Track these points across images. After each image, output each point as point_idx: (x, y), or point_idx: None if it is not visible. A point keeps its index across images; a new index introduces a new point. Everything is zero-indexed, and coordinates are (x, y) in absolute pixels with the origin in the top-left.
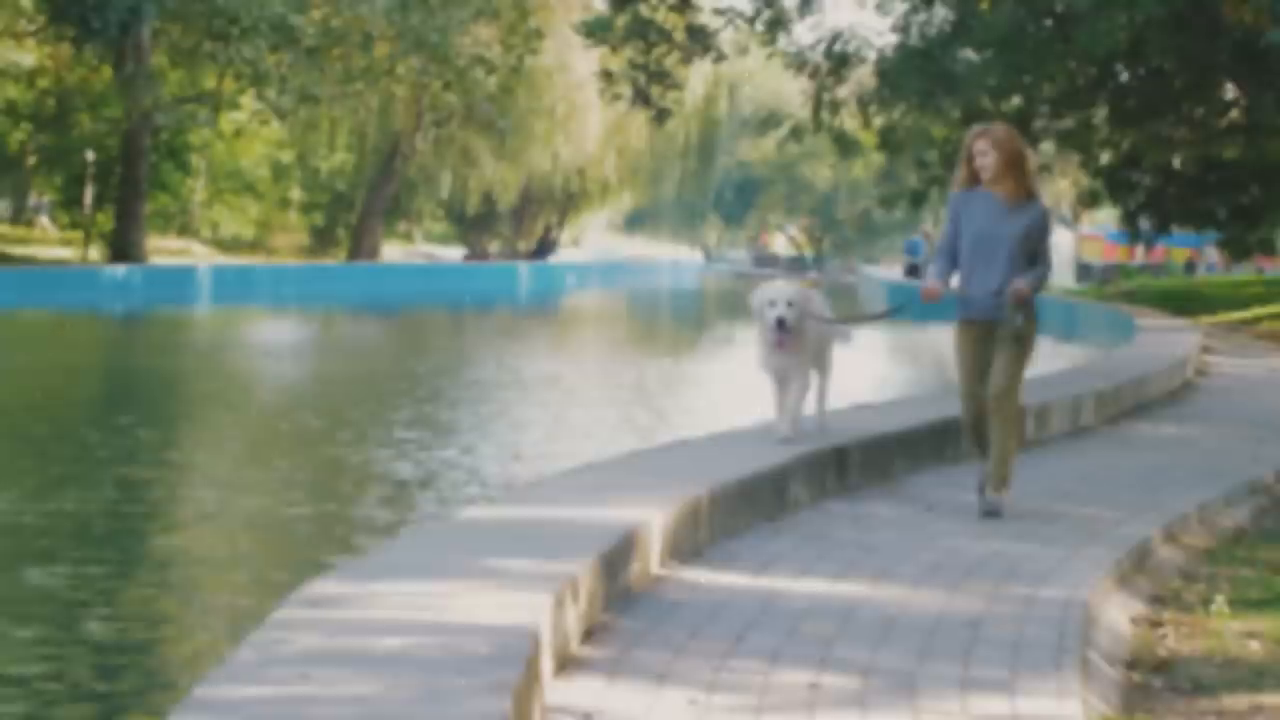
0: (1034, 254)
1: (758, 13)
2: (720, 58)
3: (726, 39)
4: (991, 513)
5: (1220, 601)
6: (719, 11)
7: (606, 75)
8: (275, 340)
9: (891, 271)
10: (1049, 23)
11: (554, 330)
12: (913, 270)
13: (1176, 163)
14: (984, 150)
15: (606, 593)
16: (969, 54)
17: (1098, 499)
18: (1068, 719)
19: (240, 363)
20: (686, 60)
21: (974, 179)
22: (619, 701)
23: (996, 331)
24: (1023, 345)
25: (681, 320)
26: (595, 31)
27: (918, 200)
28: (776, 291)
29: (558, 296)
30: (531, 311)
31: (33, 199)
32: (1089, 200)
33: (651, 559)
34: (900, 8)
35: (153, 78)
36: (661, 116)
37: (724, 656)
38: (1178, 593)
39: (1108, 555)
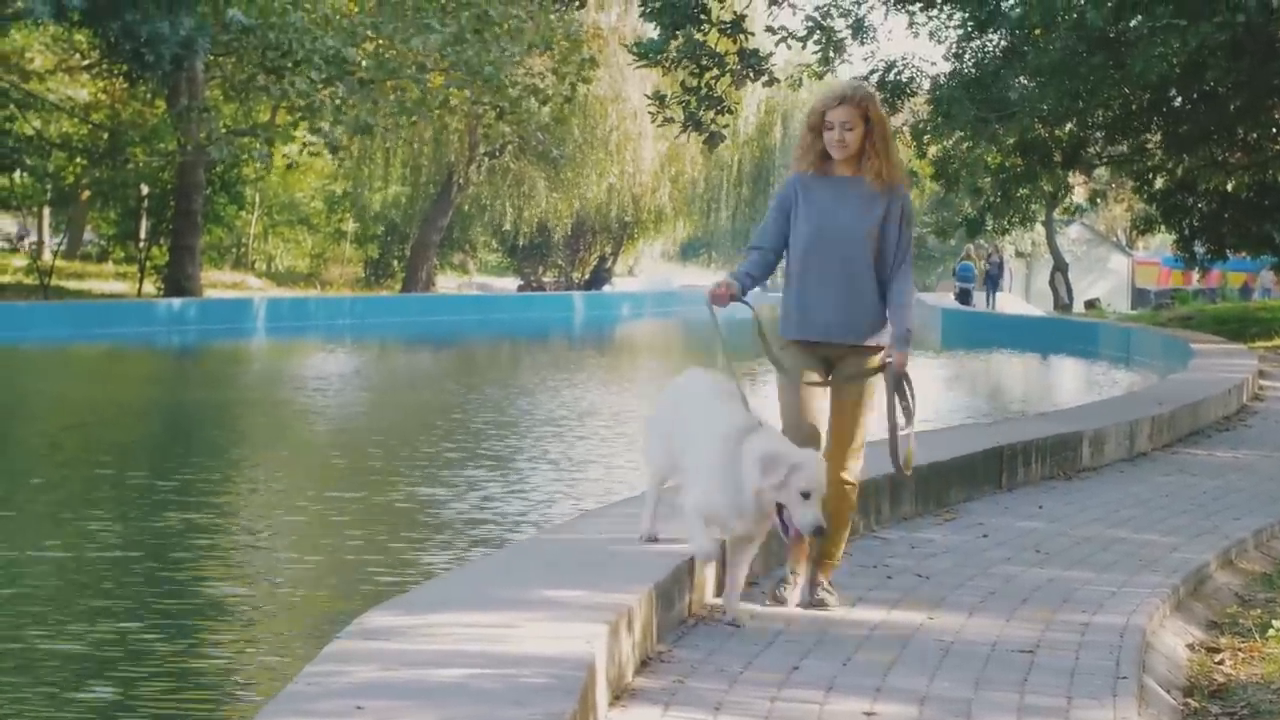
0: (890, 259)
1: (810, 33)
2: (772, 80)
3: (779, 64)
4: (817, 604)
5: (1278, 626)
6: (771, 30)
7: (658, 99)
8: (330, 372)
9: (944, 298)
10: (1102, 49)
11: (609, 360)
12: (964, 295)
13: (1231, 187)
14: (846, 121)
15: (661, 622)
16: (1022, 81)
17: (1154, 525)
18: None
19: (295, 395)
20: (738, 84)
21: (822, 158)
22: None
23: (841, 364)
24: (871, 390)
25: (737, 349)
26: (648, 54)
27: (973, 229)
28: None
29: (613, 326)
30: (586, 341)
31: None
32: (1144, 225)
33: (707, 588)
34: (954, 35)
35: (206, 111)
36: (713, 141)
37: (780, 686)
38: (1234, 618)
39: (1164, 581)
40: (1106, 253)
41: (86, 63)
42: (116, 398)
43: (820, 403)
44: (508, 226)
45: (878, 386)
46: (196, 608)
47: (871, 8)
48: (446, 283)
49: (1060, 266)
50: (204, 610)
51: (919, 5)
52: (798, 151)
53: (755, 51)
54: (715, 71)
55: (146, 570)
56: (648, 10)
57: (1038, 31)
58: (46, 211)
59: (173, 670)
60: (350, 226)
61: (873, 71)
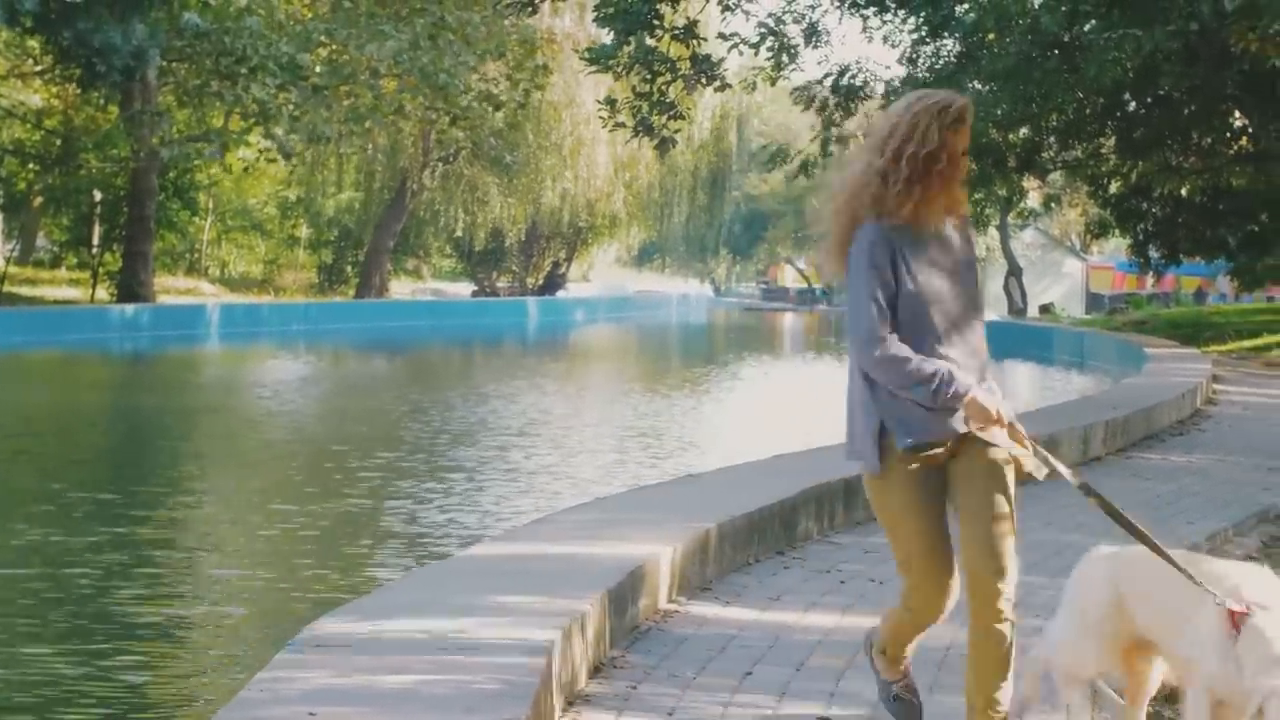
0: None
1: (762, 39)
2: (724, 86)
3: (732, 69)
4: None
5: None
6: (723, 36)
7: (609, 104)
8: (283, 379)
9: None
10: (1056, 53)
11: (563, 367)
12: None
13: (1185, 191)
14: (964, 138)
15: (615, 628)
16: (976, 85)
17: (1107, 529)
18: None
19: (247, 403)
20: (690, 89)
21: (927, 198)
22: None
23: (969, 459)
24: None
25: (690, 355)
26: (599, 59)
27: None
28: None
29: (567, 332)
30: (540, 347)
31: None
32: (1098, 230)
33: (660, 594)
34: (907, 40)
35: (160, 117)
36: (664, 146)
37: (732, 691)
38: None
39: None
40: (1061, 257)
41: (39, 68)
42: (68, 405)
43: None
44: (461, 232)
45: None
46: (147, 619)
47: (825, 12)
48: (400, 288)
49: (1014, 271)
50: (154, 621)
51: (872, 9)
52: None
53: (708, 57)
54: (667, 77)
55: (92, 583)
56: (601, 16)
57: (991, 36)
58: None
59: (123, 683)
60: (304, 232)
61: (826, 75)
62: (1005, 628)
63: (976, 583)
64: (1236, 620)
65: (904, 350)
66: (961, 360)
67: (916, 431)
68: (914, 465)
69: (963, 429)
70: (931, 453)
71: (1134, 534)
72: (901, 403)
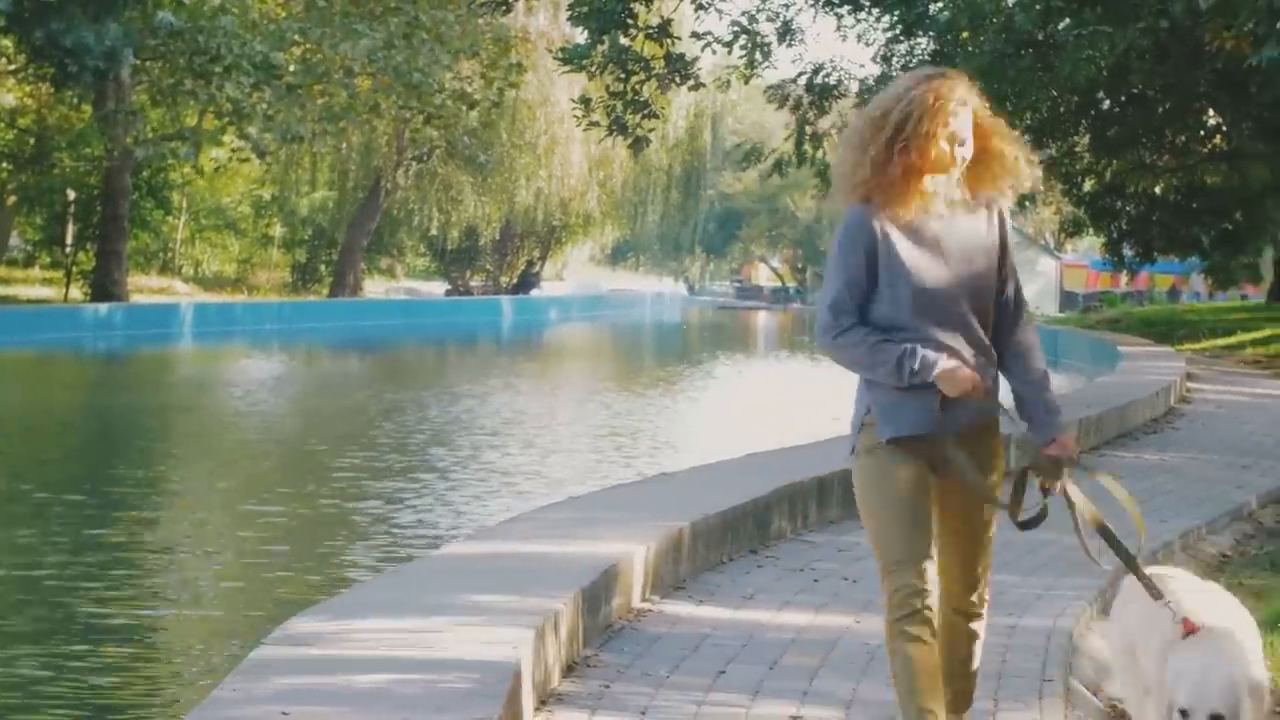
0: (1007, 295)
1: (735, 37)
2: (697, 85)
3: (706, 68)
4: None
5: None
6: (697, 35)
7: (583, 103)
8: (256, 378)
9: None
10: (1030, 51)
11: (537, 365)
12: None
13: (1159, 190)
14: (962, 118)
15: (588, 627)
16: None
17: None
18: None
19: (220, 402)
20: (664, 89)
21: (916, 175)
22: None
23: (960, 467)
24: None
25: (664, 354)
26: (573, 59)
27: None
28: (1199, 688)
29: (541, 331)
30: (514, 346)
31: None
32: (1072, 228)
33: (633, 593)
34: (881, 38)
35: (133, 116)
36: (638, 145)
37: (706, 690)
38: None
39: (1090, 584)
40: (1034, 255)
41: (12, 67)
42: (40, 405)
43: None
44: (435, 231)
45: None
46: (119, 620)
47: (799, 10)
48: (374, 287)
49: None
50: (126, 622)
51: (847, 8)
52: None
53: (681, 56)
54: (641, 76)
55: (62, 584)
56: (576, 15)
57: (966, 34)
58: None
59: (94, 685)
60: (277, 231)
61: (800, 74)
62: (976, 626)
63: (949, 598)
64: (1188, 629)
65: (862, 333)
66: (962, 350)
67: (900, 424)
68: (897, 458)
69: (952, 428)
70: (917, 448)
71: (1116, 551)
72: (888, 392)
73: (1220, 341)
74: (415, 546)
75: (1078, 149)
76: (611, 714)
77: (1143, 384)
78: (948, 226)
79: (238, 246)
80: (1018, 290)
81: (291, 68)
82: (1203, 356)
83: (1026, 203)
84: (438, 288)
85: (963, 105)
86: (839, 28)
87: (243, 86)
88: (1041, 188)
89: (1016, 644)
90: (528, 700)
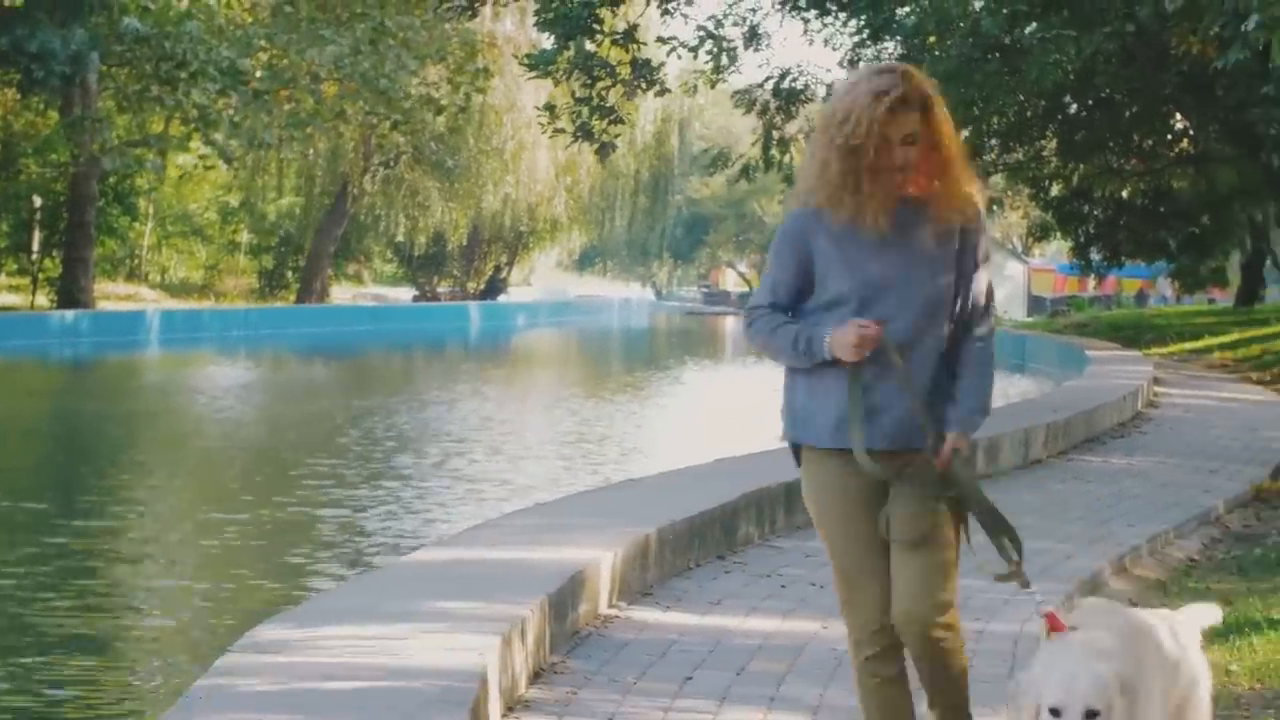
0: (964, 312)
1: (701, 42)
2: (663, 91)
3: (673, 73)
4: None
5: None
6: (662, 40)
7: (548, 109)
8: (223, 385)
9: None
10: (997, 56)
11: (505, 372)
12: None
13: (1126, 194)
14: (905, 116)
15: (555, 634)
16: None
17: (1048, 532)
18: None
19: (187, 409)
20: (630, 94)
21: (855, 176)
22: None
23: (906, 475)
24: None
25: (632, 359)
26: (538, 65)
27: None
28: (1068, 686)
29: (508, 336)
30: (482, 352)
31: None
32: (1040, 232)
33: (600, 599)
34: (848, 43)
35: (99, 122)
36: (604, 151)
37: (673, 697)
38: None
39: (1058, 589)
40: (1003, 260)
41: None
42: (4, 412)
43: None
44: (402, 237)
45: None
46: (81, 630)
47: (766, 15)
48: (341, 293)
49: None
50: (90, 632)
51: (814, 12)
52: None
53: (647, 62)
54: (607, 82)
55: (25, 594)
56: (542, 20)
57: (933, 39)
58: None
59: (55, 696)
60: (245, 237)
61: (767, 79)
62: (947, 642)
63: (909, 620)
64: (1052, 626)
65: (769, 318)
66: (879, 373)
67: (816, 433)
68: (837, 468)
69: (888, 445)
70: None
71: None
72: (823, 401)
73: (1188, 345)
74: (381, 554)
75: (1045, 153)
76: None
77: (1110, 388)
78: (892, 232)
79: (204, 253)
80: (979, 309)
81: (258, 74)
82: (1170, 361)
83: (994, 207)
84: (405, 294)
85: (904, 103)
86: (806, 32)
87: (209, 93)
88: (985, 206)
89: (983, 649)
90: (494, 707)
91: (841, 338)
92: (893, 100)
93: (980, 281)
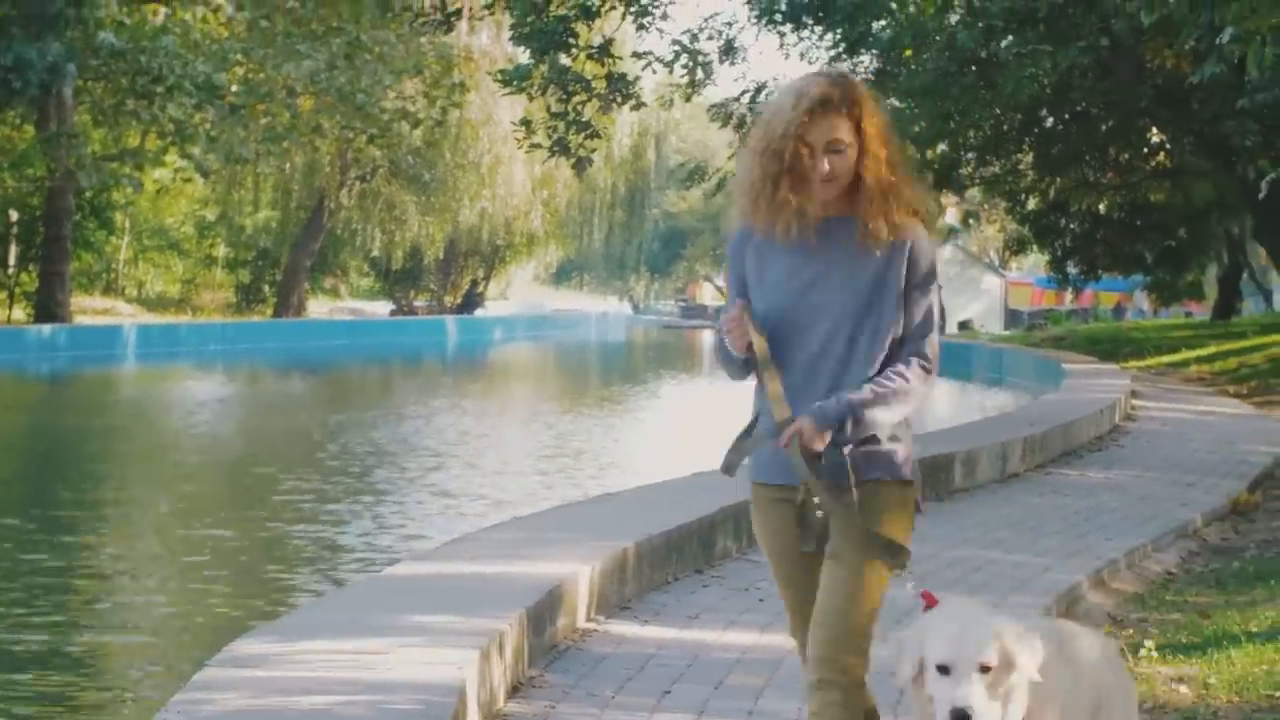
0: (906, 334)
1: (676, 56)
2: (639, 105)
3: (649, 87)
4: None
5: (1150, 646)
6: (637, 55)
7: (524, 124)
8: (200, 399)
9: None
10: (973, 69)
11: (482, 386)
12: None
13: (1103, 207)
14: (826, 123)
15: (533, 647)
16: (894, 102)
17: (1026, 546)
18: None
19: (163, 424)
20: (605, 109)
21: (776, 187)
22: None
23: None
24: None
25: (609, 374)
26: (513, 80)
27: None
28: (957, 640)
29: (485, 350)
30: (459, 366)
31: None
32: (1017, 246)
33: (579, 613)
34: (825, 56)
35: (75, 136)
36: (580, 166)
37: (651, 711)
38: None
39: (1036, 602)
40: (979, 274)
41: None
42: None
43: None
44: (378, 251)
45: None
46: (57, 646)
47: (741, 28)
48: (318, 307)
49: None
50: (67, 648)
51: (789, 26)
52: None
53: (623, 76)
54: (583, 97)
55: (3, 608)
56: (518, 35)
57: (909, 53)
58: None
59: (35, 703)
60: (221, 251)
61: (744, 92)
62: (833, 695)
63: (812, 645)
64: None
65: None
66: (796, 390)
67: (760, 468)
68: (768, 499)
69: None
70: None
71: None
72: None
73: (1165, 359)
74: (360, 569)
75: (1021, 166)
76: None
77: (1087, 401)
78: (819, 246)
79: (181, 267)
80: (922, 333)
81: (234, 88)
82: (1148, 374)
83: (970, 221)
84: (382, 308)
85: (827, 106)
86: (781, 45)
87: (185, 107)
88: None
89: None
90: None
91: (723, 326)
92: (811, 102)
93: (919, 306)
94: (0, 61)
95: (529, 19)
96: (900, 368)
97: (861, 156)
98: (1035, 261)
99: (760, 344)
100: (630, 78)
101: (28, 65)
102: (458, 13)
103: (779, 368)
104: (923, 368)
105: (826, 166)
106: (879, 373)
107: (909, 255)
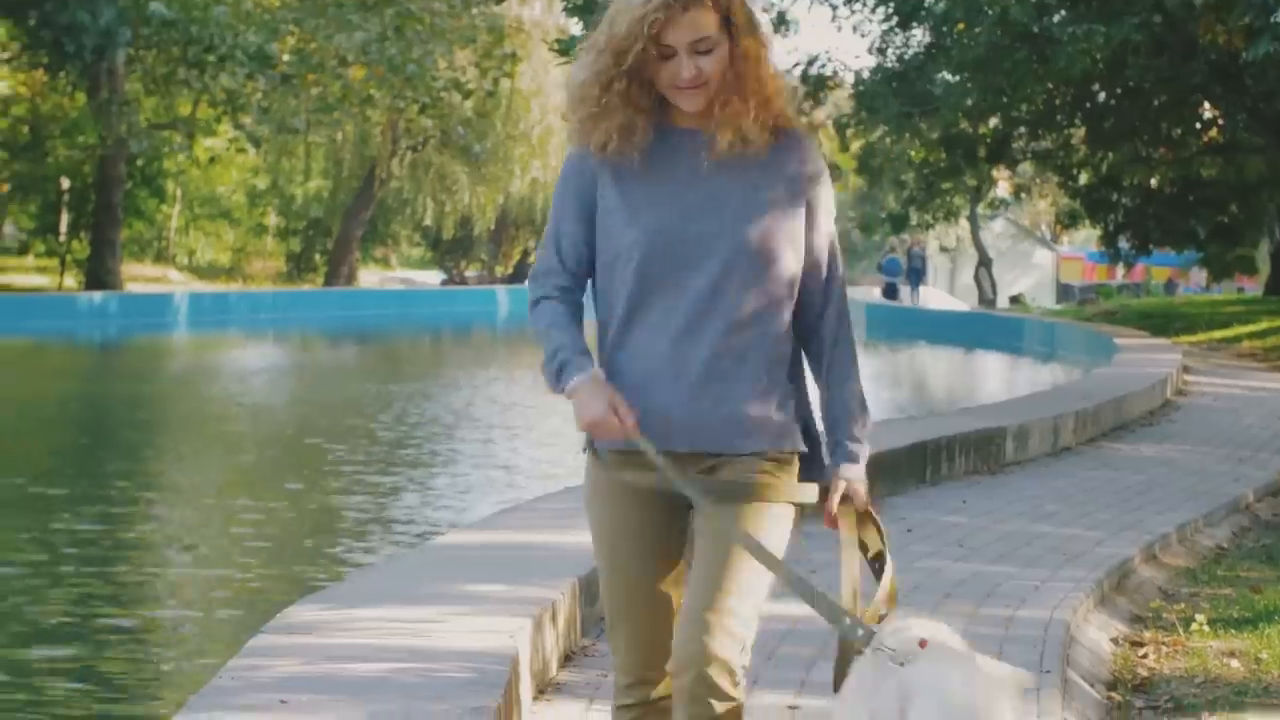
0: (814, 267)
1: None
2: None
3: None
4: None
5: (1201, 621)
6: None
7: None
8: (251, 368)
9: (871, 293)
10: (1026, 44)
11: (534, 355)
12: (891, 290)
13: (1155, 182)
14: (686, 20)
15: (585, 617)
16: (946, 76)
17: (1077, 519)
18: None
19: (215, 392)
20: None
21: (630, 100)
22: None
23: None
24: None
25: None
26: (568, 50)
27: (898, 224)
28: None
29: None
30: (510, 336)
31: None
32: (1068, 220)
33: None
34: (877, 30)
35: (127, 104)
36: None
37: None
38: (1158, 612)
39: (1088, 576)
40: (1031, 247)
41: (6, 55)
42: (33, 394)
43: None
44: (429, 221)
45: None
46: (117, 617)
47: (794, 1)
48: (369, 277)
49: (984, 261)
50: (124, 617)
51: None
52: None
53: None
54: None
55: (52, 579)
56: (570, 6)
57: (961, 26)
58: None
59: (93, 672)
60: (272, 220)
61: (795, 65)
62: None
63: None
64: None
65: (551, 310)
66: (652, 341)
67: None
68: (620, 476)
69: (680, 447)
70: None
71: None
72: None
73: (1217, 334)
74: (412, 538)
75: (1073, 141)
76: (609, 703)
77: (1139, 376)
78: (693, 169)
79: (232, 235)
80: (832, 262)
81: (285, 58)
82: (1199, 349)
83: (1022, 194)
84: (433, 277)
85: (683, 7)
86: (834, 19)
87: (237, 76)
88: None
89: (1013, 635)
90: (526, 689)
91: (586, 400)
92: None
93: (820, 241)
94: (55, 22)
95: None
96: (842, 338)
97: (738, 58)
98: (1087, 236)
99: (663, 465)
100: None
101: (81, 29)
102: None
103: (628, 321)
104: (846, 331)
105: (694, 70)
106: (802, 339)
107: (811, 168)
